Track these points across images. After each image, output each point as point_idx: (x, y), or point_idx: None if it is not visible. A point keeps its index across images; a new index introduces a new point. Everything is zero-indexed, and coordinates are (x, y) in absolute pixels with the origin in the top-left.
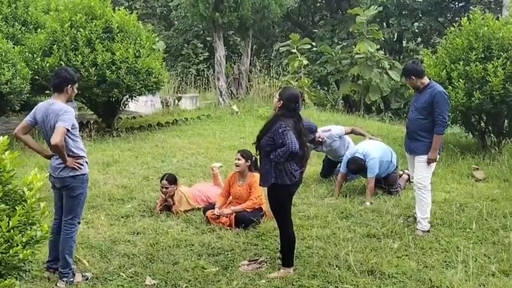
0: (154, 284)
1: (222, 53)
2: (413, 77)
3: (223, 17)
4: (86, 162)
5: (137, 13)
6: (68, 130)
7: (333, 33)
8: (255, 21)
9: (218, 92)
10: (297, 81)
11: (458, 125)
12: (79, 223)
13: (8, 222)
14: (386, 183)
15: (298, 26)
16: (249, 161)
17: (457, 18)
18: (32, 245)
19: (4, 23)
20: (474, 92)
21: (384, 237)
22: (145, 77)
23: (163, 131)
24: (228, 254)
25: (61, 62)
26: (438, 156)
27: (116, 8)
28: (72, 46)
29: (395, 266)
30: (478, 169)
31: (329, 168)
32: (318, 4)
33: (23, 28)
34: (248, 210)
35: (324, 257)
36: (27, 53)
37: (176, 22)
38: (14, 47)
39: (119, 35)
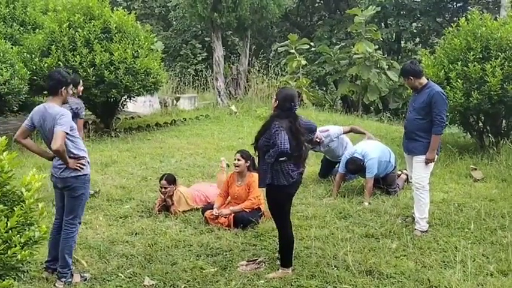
0: (153, 284)
1: (220, 53)
2: (412, 77)
3: (221, 17)
4: (88, 162)
5: (135, 13)
6: (66, 133)
7: (331, 34)
8: (253, 21)
9: (216, 92)
10: (295, 81)
11: (456, 125)
12: (80, 223)
13: (6, 223)
14: (385, 183)
15: (297, 26)
16: (249, 161)
17: (455, 19)
18: (30, 245)
19: (2, 23)
20: (472, 92)
21: (382, 237)
22: (144, 77)
23: (161, 131)
24: (226, 255)
25: (59, 63)
26: (436, 156)
27: (114, 9)
28: (71, 46)
29: (393, 266)
30: (476, 169)
31: (327, 168)
32: (316, 4)
33: (21, 28)
34: (247, 210)
35: (323, 257)
36: (25, 54)
37: (174, 22)
38: (12, 48)
39: (117, 35)
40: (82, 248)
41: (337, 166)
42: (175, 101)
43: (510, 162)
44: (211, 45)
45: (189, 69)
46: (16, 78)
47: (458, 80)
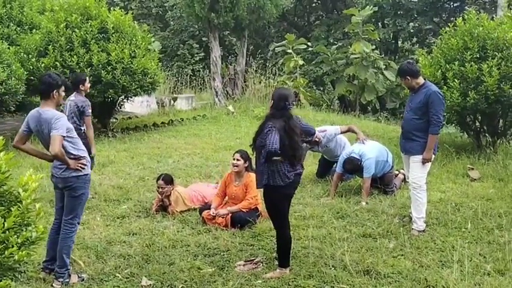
0: (150, 284)
1: (217, 53)
2: (409, 77)
3: (218, 17)
4: (88, 162)
5: (133, 13)
6: (63, 137)
7: (329, 34)
8: (250, 21)
9: (214, 92)
10: (292, 81)
11: (453, 124)
12: (79, 223)
13: (3, 223)
14: (382, 183)
15: (294, 26)
16: (247, 161)
17: (452, 19)
18: (27, 246)
19: None
20: (469, 92)
21: (379, 237)
22: (141, 77)
23: (159, 131)
24: (224, 255)
25: (56, 63)
26: (433, 156)
27: (111, 9)
28: (68, 46)
29: (391, 266)
30: (473, 169)
31: (325, 168)
32: (314, 4)
33: (18, 29)
34: (244, 210)
35: (320, 257)
36: (22, 54)
37: (172, 22)
38: (9, 48)
39: (114, 35)
40: (79, 249)
41: (334, 166)
42: (172, 101)
43: (507, 162)
44: (209, 45)
45: (186, 69)
46: (13, 78)
47: (455, 80)
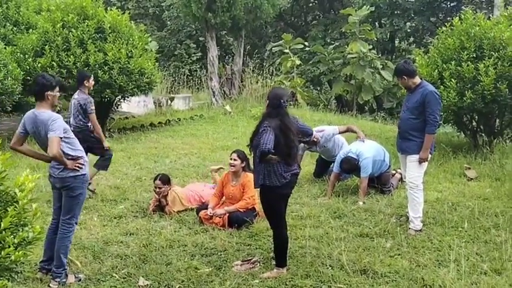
0: (147, 284)
1: (214, 53)
2: (405, 77)
3: (215, 17)
4: (86, 162)
5: (129, 13)
6: (61, 137)
7: (326, 33)
8: (247, 21)
9: (211, 92)
10: (289, 81)
11: (450, 124)
12: (77, 223)
13: (0, 224)
14: (379, 182)
15: (291, 26)
16: (244, 161)
17: (448, 18)
18: (24, 246)
19: None
20: (466, 92)
21: (376, 236)
22: (138, 77)
23: (156, 131)
24: (221, 254)
25: (53, 63)
26: (430, 155)
27: (108, 8)
28: (64, 46)
29: (388, 265)
30: (470, 168)
31: (322, 167)
32: (311, 4)
33: (15, 28)
34: (241, 210)
35: (317, 257)
36: (18, 54)
37: (169, 22)
38: (5, 48)
39: (111, 35)
40: (76, 249)
41: (332, 166)
42: (169, 101)
43: (503, 161)
44: (206, 45)
45: (183, 69)
46: (9, 78)
47: (452, 80)
